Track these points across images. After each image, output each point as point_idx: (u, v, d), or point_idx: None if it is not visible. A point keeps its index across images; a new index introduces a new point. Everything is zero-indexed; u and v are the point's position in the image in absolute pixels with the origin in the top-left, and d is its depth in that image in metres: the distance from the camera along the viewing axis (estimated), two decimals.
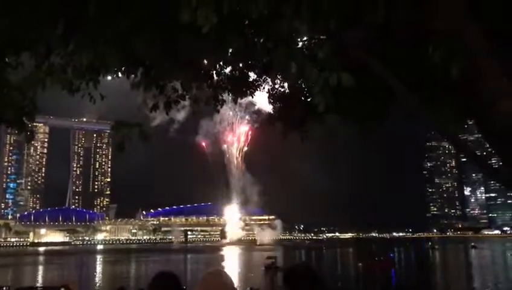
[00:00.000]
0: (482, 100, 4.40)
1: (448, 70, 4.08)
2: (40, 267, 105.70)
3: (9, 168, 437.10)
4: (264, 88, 9.30)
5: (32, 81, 4.92)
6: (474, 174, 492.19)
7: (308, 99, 7.82)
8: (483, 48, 3.97)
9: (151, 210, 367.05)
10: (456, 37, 3.84)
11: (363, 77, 4.12)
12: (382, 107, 5.88)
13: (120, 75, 5.53)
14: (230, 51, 5.73)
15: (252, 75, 8.89)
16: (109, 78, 6.58)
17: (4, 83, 5.39)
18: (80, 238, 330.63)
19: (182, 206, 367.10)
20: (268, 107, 10.04)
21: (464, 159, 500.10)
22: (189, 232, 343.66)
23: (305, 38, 3.49)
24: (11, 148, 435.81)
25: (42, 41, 4.99)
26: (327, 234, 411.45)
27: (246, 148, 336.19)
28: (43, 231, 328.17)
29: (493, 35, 4.19)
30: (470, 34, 3.95)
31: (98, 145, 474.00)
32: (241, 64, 8.33)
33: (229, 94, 8.64)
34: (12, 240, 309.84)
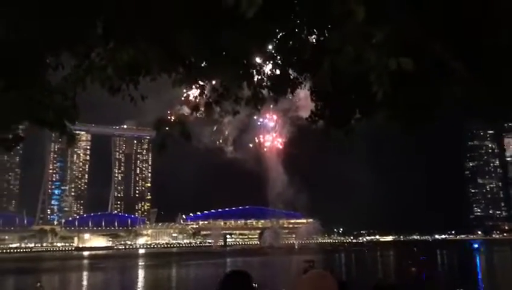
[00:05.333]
0: None
1: None
2: (85, 272, 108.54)
3: (54, 175, 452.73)
4: (305, 86, 9.01)
5: (72, 80, 4.81)
6: None
7: (353, 96, 7.52)
8: None
9: (191, 214, 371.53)
10: None
11: (421, 63, 3.76)
12: (437, 97, 5.48)
13: (161, 73, 5.36)
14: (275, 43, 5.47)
15: (293, 73, 8.62)
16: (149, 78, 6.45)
17: (45, 84, 5.32)
18: (122, 242, 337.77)
19: (220, 210, 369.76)
20: (306, 109, 9.68)
21: (509, 159, 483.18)
22: (228, 236, 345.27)
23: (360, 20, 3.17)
24: (55, 155, 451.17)
25: (82, 41, 4.89)
26: (367, 237, 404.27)
27: (286, 151, 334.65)
28: (87, 236, 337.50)
29: None
30: None
31: (138, 151, 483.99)
32: (281, 62, 8.09)
33: (269, 93, 8.41)
34: (59, 244, 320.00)
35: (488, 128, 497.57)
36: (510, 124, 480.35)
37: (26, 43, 4.90)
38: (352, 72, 3.57)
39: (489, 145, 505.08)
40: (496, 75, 4.30)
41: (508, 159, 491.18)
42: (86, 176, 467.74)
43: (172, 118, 5.10)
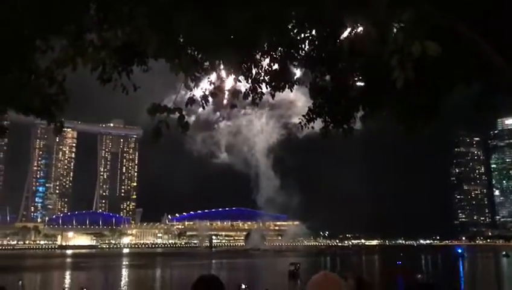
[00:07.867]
0: None
1: None
2: (68, 271, 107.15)
3: (38, 172, 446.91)
4: (303, 82, 8.73)
5: (61, 60, 4.42)
6: (505, 181, 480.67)
7: (354, 92, 7.26)
8: None
9: (177, 214, 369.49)
10: None
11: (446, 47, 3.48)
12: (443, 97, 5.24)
13: (158, 58, 5.01)
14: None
15: (292, 68, 8.34)
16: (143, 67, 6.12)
17: (33, 68, 4.95)
18: (106, 241, 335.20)
19: (207, 210, 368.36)
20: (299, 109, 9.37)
21: (494, 166, 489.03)
22: (213, 237, 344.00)
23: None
24: (40, 152, 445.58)
25: (74, 21, 4.54)
26: (352, 241, 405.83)
27: (275, 154, 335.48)
28: (70, 234, 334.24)
29: None
30: None
31: (125, 150, 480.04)
32: (280, 56, 7.82)
33: (267, 88, 8.13)
34: (42, 242, 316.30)
35: (475, 135, 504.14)
36: (495, 131, 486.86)
37: (12, 23, 4.54)
38: (371, 57, 3.28)
39: (475, 152, 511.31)
40: None
41: (493, 166, 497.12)
42: (71, 174, 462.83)
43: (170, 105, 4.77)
